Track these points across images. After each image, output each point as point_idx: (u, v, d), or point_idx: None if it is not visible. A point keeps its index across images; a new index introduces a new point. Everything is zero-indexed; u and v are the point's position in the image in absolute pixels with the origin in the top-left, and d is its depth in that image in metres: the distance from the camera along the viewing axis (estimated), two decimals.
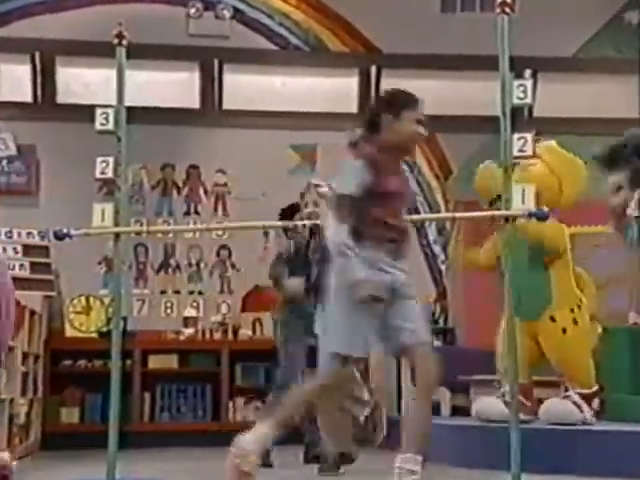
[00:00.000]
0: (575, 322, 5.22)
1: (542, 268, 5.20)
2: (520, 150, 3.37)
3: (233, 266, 8.45)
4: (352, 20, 8.79)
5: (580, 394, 5.13)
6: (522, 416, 5.34)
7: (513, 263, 5.08)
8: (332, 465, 4.85)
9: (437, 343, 8.36)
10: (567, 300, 5.26)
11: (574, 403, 5.07)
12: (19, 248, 6.60)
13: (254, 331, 7.87)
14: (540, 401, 5.32)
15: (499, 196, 5.08)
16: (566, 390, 5.28)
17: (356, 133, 3.37)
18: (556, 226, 5.18)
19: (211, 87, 8.57)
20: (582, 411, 5.08)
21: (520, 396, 5.35)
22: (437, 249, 8.86)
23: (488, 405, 5.51)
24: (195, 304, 8.27)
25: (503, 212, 3.40)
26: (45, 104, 8.36)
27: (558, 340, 5.17)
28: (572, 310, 5.24)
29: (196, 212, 8.57)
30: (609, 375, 5.71)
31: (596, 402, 5.23)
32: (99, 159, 3.67)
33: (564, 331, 5.19)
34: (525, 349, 5.02)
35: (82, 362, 7.44)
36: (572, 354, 5.20)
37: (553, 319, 5.20)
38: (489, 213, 3.63)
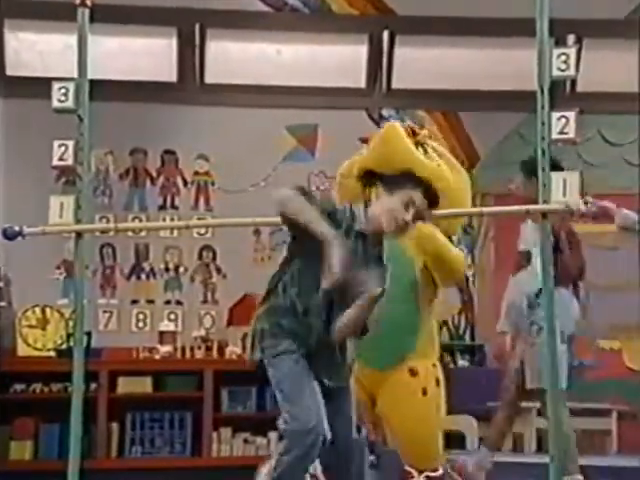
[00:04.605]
0: (437, 382, 4.58)
1: (416, 302, 4.53)
2: (561, 132, 3.35)
3: (218, 271, 8.47)
4: None
5: (428, 478, 4.49)
6: None
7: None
8: None
9: (463, 363, 8.39)
10: (432, 350, 4.65)
11: None
12: None
13: (243, 348, 7.88)
14: None
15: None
16: (410, 476, 4.54)
17: None
18: (461, 255, 4.80)
19: (191, 57, 8.57)
20: None
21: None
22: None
23: None
24: (173, 316, 8.29)
25: (540, 207, 3.38)
26: None
27: (416, 403, 4.46)
28: (435, 365, 4.62)
29: (173, 206, 8.59)
30: None
31: None
32: (57, 143, 3.68)
33: (424, 392, 4.50)
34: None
35: (37, 386, 7.44)
36: (429, 424, 4.52)
37: (414, 372, 4.50)
38: (524, 208, 3.61)
